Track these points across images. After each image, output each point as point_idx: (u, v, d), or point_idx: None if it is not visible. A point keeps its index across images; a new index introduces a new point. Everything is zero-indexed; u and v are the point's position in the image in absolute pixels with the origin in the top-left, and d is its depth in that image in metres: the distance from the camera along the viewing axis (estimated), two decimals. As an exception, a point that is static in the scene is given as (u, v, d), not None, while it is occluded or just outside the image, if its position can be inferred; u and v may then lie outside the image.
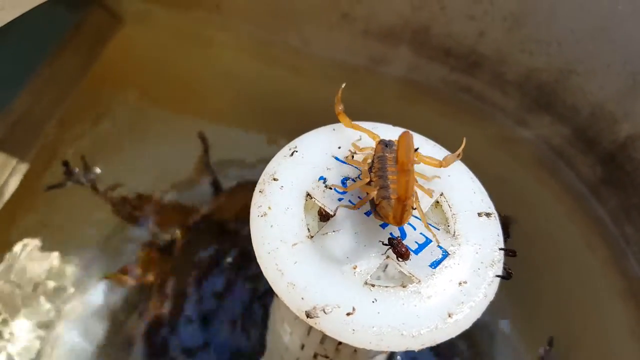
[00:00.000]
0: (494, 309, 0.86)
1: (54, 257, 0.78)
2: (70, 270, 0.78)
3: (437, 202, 0.47)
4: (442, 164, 0.45)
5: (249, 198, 0.44)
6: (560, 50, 0.79)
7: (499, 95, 0.87)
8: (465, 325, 0.39)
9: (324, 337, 0.51)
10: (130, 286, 0.78)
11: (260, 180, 0.45)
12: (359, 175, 0.47)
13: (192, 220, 0.82)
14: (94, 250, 0.80)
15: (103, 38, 0.93)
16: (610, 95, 0.78)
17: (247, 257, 0.80)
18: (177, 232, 0.81)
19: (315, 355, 0.54)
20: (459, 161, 0.50)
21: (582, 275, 0.84)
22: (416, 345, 0.38)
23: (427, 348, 0.41)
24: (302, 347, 0.55)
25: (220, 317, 0.76)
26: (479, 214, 0.46)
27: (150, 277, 0.79)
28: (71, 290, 0.77)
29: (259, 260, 0.41)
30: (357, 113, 0.55)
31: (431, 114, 0.91)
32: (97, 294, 0.77)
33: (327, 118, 0.52)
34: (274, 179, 0.44)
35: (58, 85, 0.87)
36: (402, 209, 0.38)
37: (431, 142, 0.51)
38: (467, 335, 0.83)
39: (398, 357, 0.64)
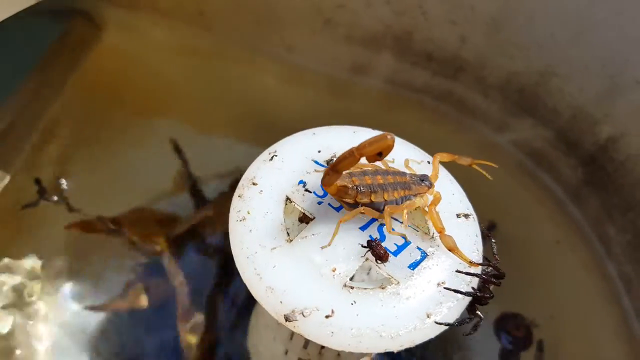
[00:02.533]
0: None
1: (32, 278, 0.76)
2: (47, 290, 0.76)
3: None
4: (440, 232, 0.43)
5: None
6: (539, 53, 0.80)
7: (481, 99, 0.88)
8: (444, 326, 0.40)
9: (307, 342, 0.51)
10: (120, 310, 0.77)
11: (239, 185, 0.45)
12: (338, 179, 0.47)
13: (176, 234, 0.81)
14: (75, 272, 0.78)
15: (86, 49, 0.93)
16: (589, 97, 0.79)
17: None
18: (161, 248, 0.79)
19: (299, 360, 0.54)
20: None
21: (566, 277, 0.84)
22: (395, 346, 0.38)
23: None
24: (286, 352, 0.55)
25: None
26: (458, 215, 0.46)
27: (140, 298, 0.78)
28: (45, 311, 0.75)
29: (237, 265, 0.41)
30: (340, 118, 0.55)
31: (414, 118, 0.91)
32: (77, 316, 0.76)
33: (310, 124, 0.52)
34: (253, 184, 0.45)
35: (41, 98, 0.86)
36: (326, 172, 0.41)
37: (411, 145, 0.52)
38: (454, 339, 0.83)
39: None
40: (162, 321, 0.76)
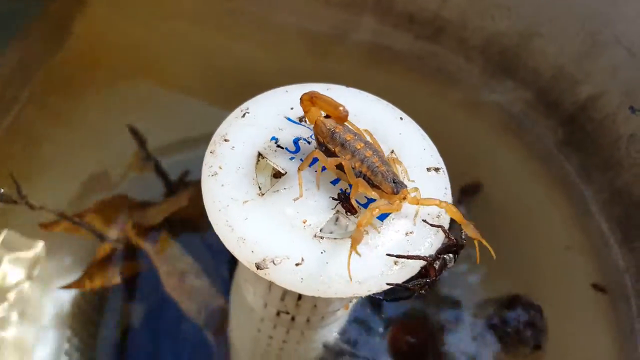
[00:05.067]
0: (463, 268, 0.88)
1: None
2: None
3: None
4: (359, 225, 0.39)
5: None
6: (520, 13, 0.80)
7: (462, 61, 0.88)
8: (411, 272, 0.41)
9: (284, 294, 0.53)
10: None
11: (211, 142, 0.46)
12: (311, 135, 0.48)
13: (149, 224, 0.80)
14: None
15: (68, 20, 0.91)
16: (570, 56, 0.80)
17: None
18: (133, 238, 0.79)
19: (278, 313, 0.56)
20: (410, 119, 0.51)
21: (547, 233, 0.86)
22: (363, 291, 0.40)
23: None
24: (265, 305, 0.56)
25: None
26: (428, 169, 0.47)
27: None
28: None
29: (210, 218, 0.42)
30: (321, 81, 0.56)
31: (397, 81, 0.92)
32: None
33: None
34: (225, 140, 0.45)
35: (22, 75, 0.85)
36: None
37: (384, 102, 0.52)
38: (436, 297, 0.85)
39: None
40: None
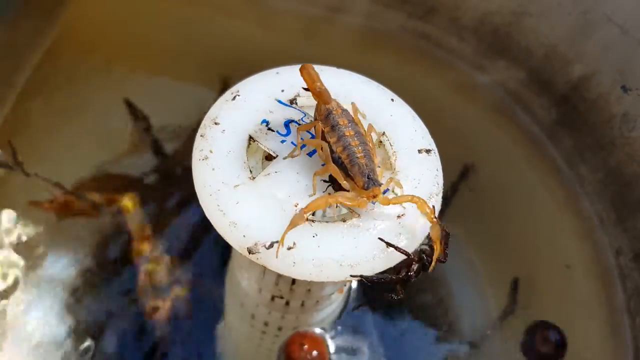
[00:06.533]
0: (457, 252, 0.88)
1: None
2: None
3: (380, 141, 0.48)
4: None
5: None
6: (512, -9, 0.79)
7: (455, 41, 0.88)
8: (402, 256, 0.41)
9: (278, 278, 0.53)
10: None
11: (201, 125, 0.45)
12: (302, 118, 0.47)
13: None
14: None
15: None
16: (562, 35, 0.79)
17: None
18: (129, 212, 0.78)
19: (272, 298, 0.56)
20: (402, 100, 0.51)
21: (540, 217, 0.86)
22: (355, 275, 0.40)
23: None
24: (260, 290, 0.56)
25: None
26: (419, 151, 0.47)
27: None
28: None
29: (201, 203, 0.42)
30: (316, 63, 0.55)
31: (390, 62, 0.91)
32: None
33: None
34: (215, 123, 0.45)
35: (14, 54, 0.83)
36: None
37: (375, 84, 0.52)
38: (430, 279, 0.86)
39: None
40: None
